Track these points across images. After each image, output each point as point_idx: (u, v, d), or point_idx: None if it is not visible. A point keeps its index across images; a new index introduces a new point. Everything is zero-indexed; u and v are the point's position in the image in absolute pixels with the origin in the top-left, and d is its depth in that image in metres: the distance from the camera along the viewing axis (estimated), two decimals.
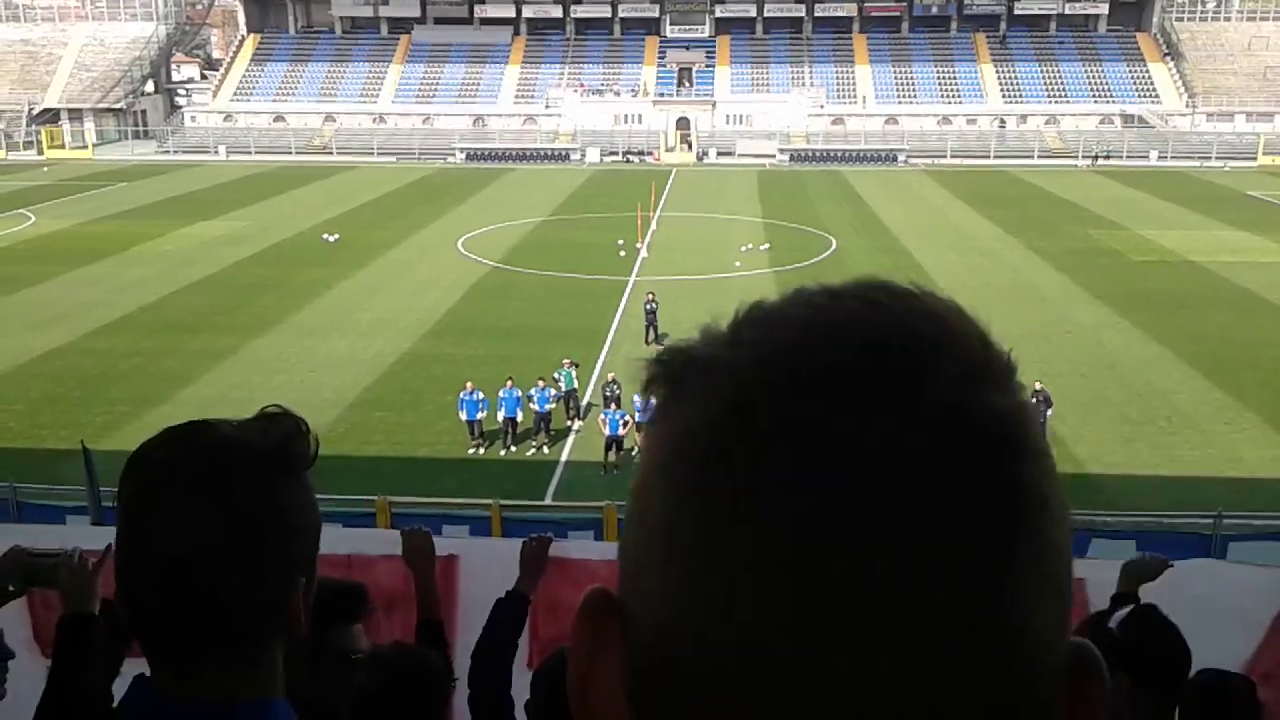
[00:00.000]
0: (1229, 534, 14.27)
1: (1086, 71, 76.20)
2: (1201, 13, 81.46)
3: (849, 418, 0.55)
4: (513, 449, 19.92)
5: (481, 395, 19.69)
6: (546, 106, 75.63)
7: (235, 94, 78.36)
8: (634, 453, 19.67)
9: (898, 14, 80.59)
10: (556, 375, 21.08)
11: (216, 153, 70.26)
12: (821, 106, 74.10)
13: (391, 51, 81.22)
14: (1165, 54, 76.58)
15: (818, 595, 0.53)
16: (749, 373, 0.57)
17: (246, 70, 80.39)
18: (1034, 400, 19.50)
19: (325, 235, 40.35)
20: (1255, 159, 66.43)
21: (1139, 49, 77.33)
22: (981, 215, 45.79)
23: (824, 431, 0.54)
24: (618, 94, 75.78)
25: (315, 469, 1.43)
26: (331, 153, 70.93)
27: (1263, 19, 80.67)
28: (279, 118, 76.07)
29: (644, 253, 37.15)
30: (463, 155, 69.67)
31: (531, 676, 3.16)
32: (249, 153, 69.87)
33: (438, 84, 78.93)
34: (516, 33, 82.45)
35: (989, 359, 0.60)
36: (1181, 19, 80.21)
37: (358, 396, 22.21)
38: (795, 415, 0.55)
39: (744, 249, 37.80)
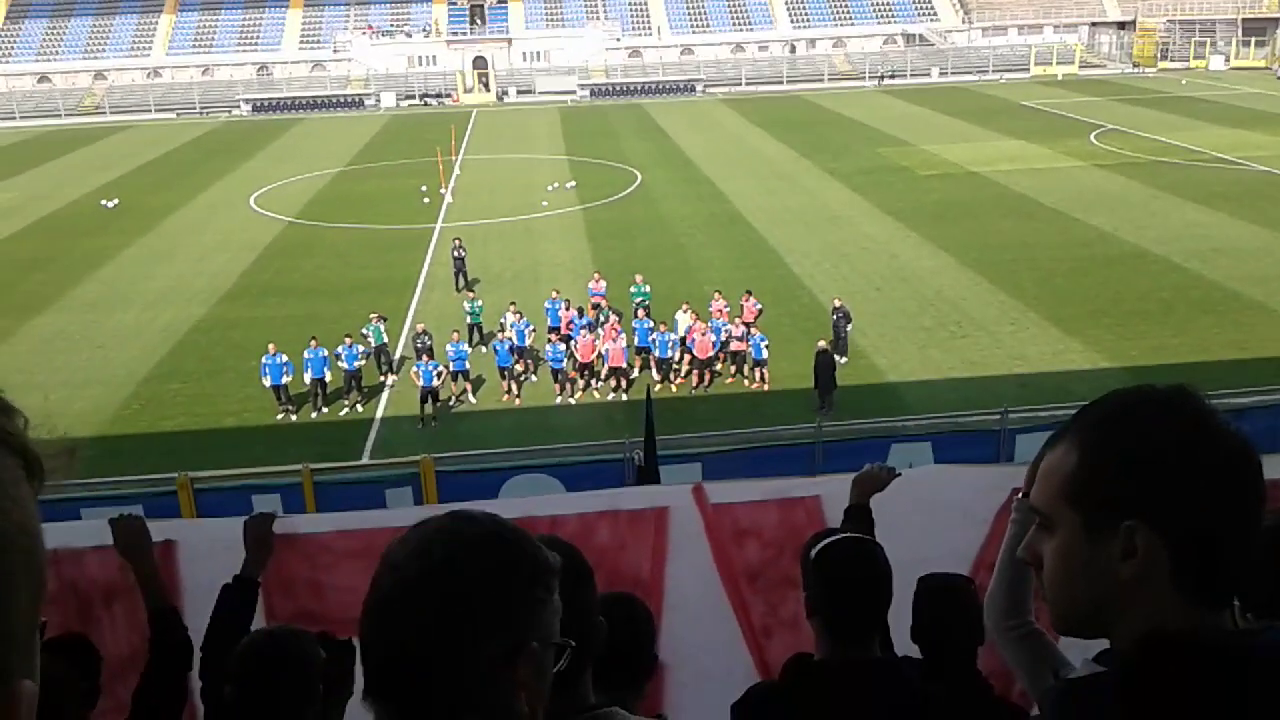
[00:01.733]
0: (1015, 428, 15.24)
1: None
2: None
3: None
4: (324, 410, 19.34)
5: (285, 358, 18.98)
6: (335, 51, 72.65)
7: None
8: (450, 403, 19.44)
9: None
10: (365, 331, 20.52)
11: None
12: (618, 39, 73.89)
13: (162, 0, 76.13)
14: None
15: None
16: None
17: (1, 29, 73.89)
18: (835, 316, 20.30)
19: (103, 201, 37.83)
20: (1028, 70, 70.22)
21: None
22: (777, 140, 46.85)
23: None
24: (409, 35, 73.43)
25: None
26: (105, 112, 66.30)
27: None
28: (44, 78, 70.51)
29: (448, 198, 36.42)
30: (248, 107, 66.32)
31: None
32: (12, 119, 64.55)
33: (215, 32, 74.57)
34: None
35: None
36: None
37: (151, 370, 21.04)
38: None
39: (550, 188, 37.52)
